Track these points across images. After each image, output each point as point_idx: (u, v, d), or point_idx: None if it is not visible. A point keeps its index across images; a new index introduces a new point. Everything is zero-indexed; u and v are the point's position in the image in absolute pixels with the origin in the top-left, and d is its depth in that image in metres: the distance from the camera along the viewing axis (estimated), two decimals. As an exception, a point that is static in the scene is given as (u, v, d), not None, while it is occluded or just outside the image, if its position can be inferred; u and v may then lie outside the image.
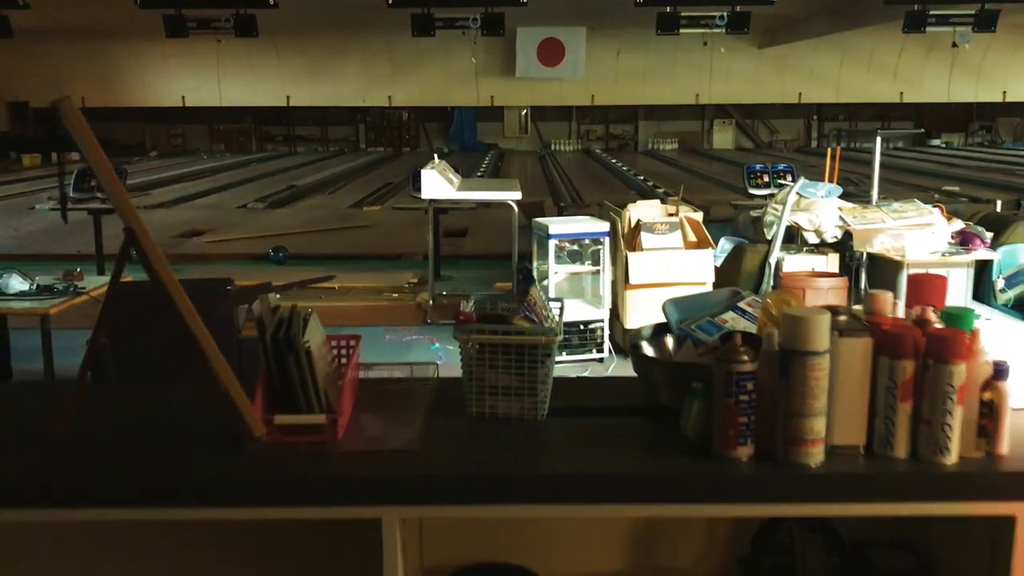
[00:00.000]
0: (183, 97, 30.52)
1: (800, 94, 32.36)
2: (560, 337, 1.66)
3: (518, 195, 7.25)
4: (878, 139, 7.13)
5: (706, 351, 1.66)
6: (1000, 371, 1.49)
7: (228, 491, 1.47)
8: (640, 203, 6.45)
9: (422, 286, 8.25)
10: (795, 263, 6.05)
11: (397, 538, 1.49)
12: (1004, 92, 31.01)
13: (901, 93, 31.79)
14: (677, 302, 1.87)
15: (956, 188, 16.93)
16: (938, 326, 1.53)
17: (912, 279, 1.71)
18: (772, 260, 6.06)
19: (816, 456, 1.47)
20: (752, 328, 1.70)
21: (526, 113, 34.72)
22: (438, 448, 1.57)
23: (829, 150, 7.86)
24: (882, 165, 21.87)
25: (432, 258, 7.94)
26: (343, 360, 1.76)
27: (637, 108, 33.68)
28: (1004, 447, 1.51)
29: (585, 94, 32.92)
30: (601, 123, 34.81)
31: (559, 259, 6.02)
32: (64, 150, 27.14)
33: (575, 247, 6.18)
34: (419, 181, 7.13)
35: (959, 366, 1.45)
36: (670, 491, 1.48)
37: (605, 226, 6.11)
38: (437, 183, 6.94)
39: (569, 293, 6.19)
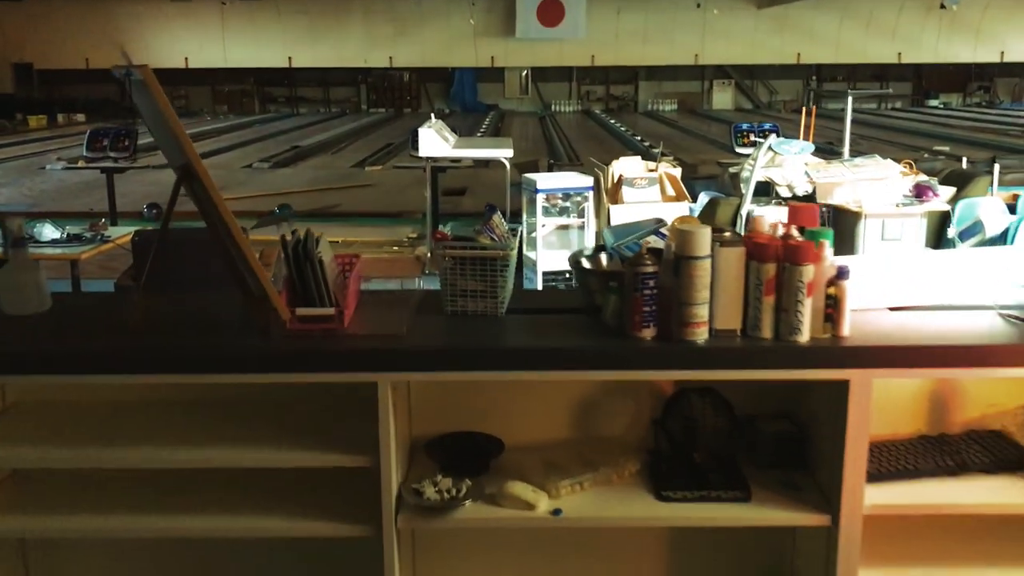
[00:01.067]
0: (186, 59, 30.80)
1: (799, 54, 32.55)
2: (514, 251, 2.15)
3: (510, 152, 7.72)
4: (849, 98, 7.55)
5: (628, 264, 2.15)
6: (841, 273, 1.99)
7: (263, 361, 1.98)
8: (623, 159, 6.90)
9: (421, 241, 8.74)
10: (765, 215, 6.50)
11: (389, 400, 2.00)
12: (1002, 52, 31.19)
13: (899, 53, 31.97)
14: (613, 229, 2.36)
15: (946, 147, 17.30)
16: (799, 239, 2.02)
17: (791, 207, 2.20)
18: (743, 212, 6.53)
19: (701, 335, 1.97)
20: (667, 246, 2.18)
21: (527, 74, 34.88)
22: (420, 333, 2.07)
23: (804, 109, 8.28)
24: (880, 125, 21.98)
25: (430, 214, 8.42)
26: (347, 273, 2.25)
27: (637, 69, 33.88)
28: (844, 330, 2.00)
29: (585, 55, 33.09)
30: (602, 84, 35.00)
31: (548, 213, 6.49)
32: (71, 111, 27.36)
33: (566, 203, 6.64)
34: (418, 140, 7.59)
35: (807, 267, 1.95)
36: (594, 360, 1.98)
37: (589, 181, 6.58)
38: (434, 141, 7.40)
39: (557, 245, 6.67)
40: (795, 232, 2.04)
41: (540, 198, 6.41)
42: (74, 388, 2.31)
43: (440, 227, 8.49)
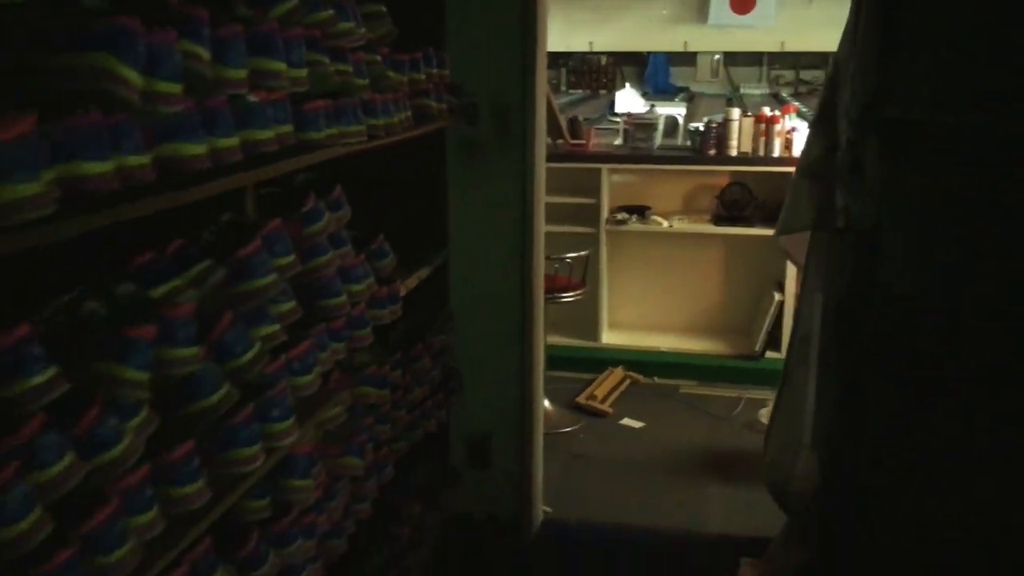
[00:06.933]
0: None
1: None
2: (657, 124, 5.18)
3: (683, 110, 10.63)
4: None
5: (705, 125, 5.12)
6: (794, 129, 4.88)
7: (561, 158, 5.09)
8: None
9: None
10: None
11: (605, 176, 5.07)
12: None
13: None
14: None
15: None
16: (777, 118, 4.93)
17: (784, 107, 5.09)
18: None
19: (733, 152, 4.93)
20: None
21: (718, 58, 36.87)
22: (619, 151, 5.14)
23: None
24: None
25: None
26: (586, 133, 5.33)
27: (828, 54, 35.16)
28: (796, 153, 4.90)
29: (775, 41, 34.69)
30: (791, 68, 36.49)
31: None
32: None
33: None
34: (614, 104, 10.65)
35: (776, 126, 4.86)
36: (689, 160, 5.00)
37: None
38: (629, 99, 10.44)
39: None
40: (782, 117, 4.96)
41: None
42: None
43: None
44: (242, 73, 1.51)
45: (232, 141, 1.50)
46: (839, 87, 2.87)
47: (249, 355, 1.57)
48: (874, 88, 2.71)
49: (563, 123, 5.33)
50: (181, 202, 1.41)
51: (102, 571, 1.21)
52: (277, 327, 1.72)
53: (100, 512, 1.21)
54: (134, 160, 1.25)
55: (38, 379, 1.15)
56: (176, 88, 1.31)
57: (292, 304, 1.82)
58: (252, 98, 1.58)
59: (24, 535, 1.09)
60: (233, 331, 1.56)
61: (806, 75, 37.76)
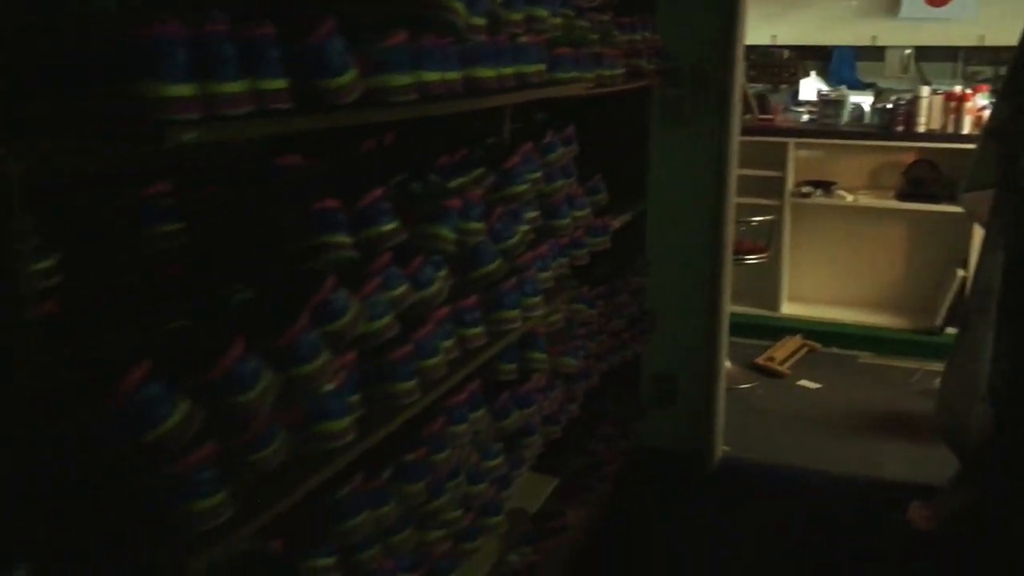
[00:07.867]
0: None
1: None
2: (844, 102, 5.34)
3: (870, 99, 10.53)
4: None
5: (895, 104, 5.24)
6: (982, 108, 4.93)
7: (746, 132, 5.34)
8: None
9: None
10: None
11: (791, 154, 5.28)
12: None
13: None
14: (896, 97, 5.44)
15: None
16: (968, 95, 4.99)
17: (965, 93, 5.15)
18: None
19: (922, 128, 5.04)
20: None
21: (909, 53, 35.27)
22: (802, 125, 5.34)
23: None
24: None
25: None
26: (770, 111, 5.55)
27: (1032, 49, 33.02)
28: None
29: (973, 35, 32.89)
30: (990, 64, 34.45)
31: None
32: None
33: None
34: (798, 94, 10.67)
35: (966, 104, 4.93)
36: (876, 136, 5.13)
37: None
38: (813, 86, 10.44)
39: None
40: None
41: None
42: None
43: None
44: (520, 16, 1.93)
45: (510, 71, 1.93)
46: (1031, 51, 3.04)
47: (513, 241, 2.00)
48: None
49: (752, 99, 5.57)
50: (481, 107, 1.85)
51: (423, 371, 1.66)
52: (528, 227, 2.14)
53: (423, 328, 1.66)
54: (452, 75, 1.69)
55: (387, 227, 1.61)
56: (482, 22, 1.74)
57: (537, 213, 2.24)
58: (523, 39, 2.00)
59: (382, 330, 1.55)
60: (501, 222, 1.99)
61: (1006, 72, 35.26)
